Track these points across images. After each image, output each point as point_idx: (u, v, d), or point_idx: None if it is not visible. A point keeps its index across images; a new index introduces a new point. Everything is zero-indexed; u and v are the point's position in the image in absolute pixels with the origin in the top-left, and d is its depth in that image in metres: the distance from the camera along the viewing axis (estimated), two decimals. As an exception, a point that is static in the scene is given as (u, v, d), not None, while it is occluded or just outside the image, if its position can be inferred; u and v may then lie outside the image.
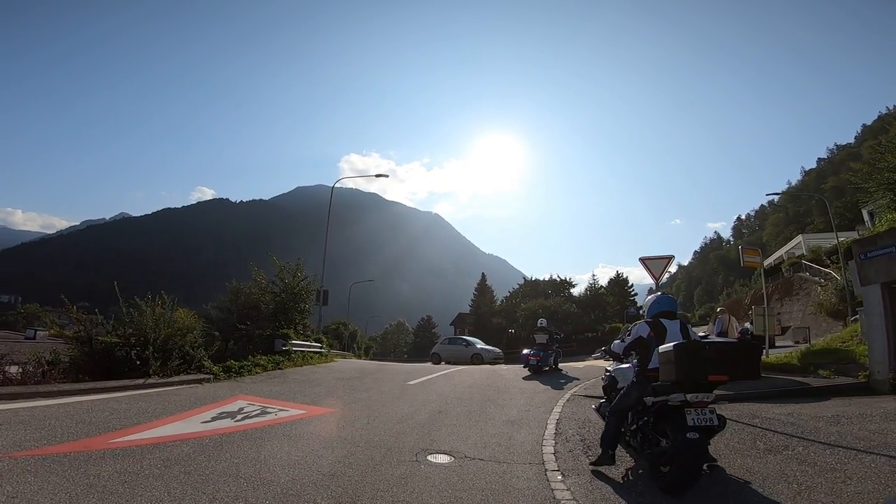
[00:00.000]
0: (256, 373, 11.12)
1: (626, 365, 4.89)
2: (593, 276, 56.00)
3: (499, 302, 61.20)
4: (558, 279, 54.21)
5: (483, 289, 63.51)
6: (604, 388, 5.34)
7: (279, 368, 12.44)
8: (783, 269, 47.17)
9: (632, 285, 63.22)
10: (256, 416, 6.48)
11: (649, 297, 4.81)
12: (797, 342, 20.37)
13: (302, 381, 10.52)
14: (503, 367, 20.20)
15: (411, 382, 11.29)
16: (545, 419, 6.69)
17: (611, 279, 60.90)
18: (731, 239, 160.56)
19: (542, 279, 56.52)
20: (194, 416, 6.20)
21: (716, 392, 3.96)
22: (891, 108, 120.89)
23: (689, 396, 3.76)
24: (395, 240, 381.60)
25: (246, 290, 15.16)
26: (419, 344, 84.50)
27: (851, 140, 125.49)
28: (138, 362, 8.83)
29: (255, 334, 13.82)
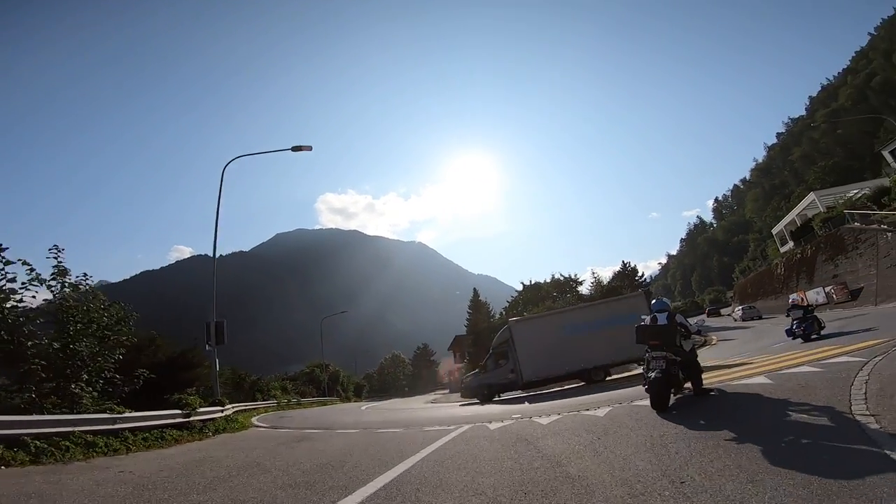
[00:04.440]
0: None
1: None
2: (593, 273, 50.07)
3: (497, 316, 54.57)
4: (562, 278, 47.72)
5: (477, 304, 56.99)
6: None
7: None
8: (815, 227, 41.39)
9: (642, 274, 57.56)
10: None
11: (654, 301, 8.13)
12: None
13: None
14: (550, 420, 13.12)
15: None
16: None
17: (616, 272, 55.56)
18: (714, 222, 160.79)
19: (542, 282, 49.97)
20: None
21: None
22: (830, 78, 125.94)
23: (649, 354, 7.12)
24: (382, 275, 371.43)
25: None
26: (418, 375, 78.43)
27: (803, 112, 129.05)
28: None
29: None
